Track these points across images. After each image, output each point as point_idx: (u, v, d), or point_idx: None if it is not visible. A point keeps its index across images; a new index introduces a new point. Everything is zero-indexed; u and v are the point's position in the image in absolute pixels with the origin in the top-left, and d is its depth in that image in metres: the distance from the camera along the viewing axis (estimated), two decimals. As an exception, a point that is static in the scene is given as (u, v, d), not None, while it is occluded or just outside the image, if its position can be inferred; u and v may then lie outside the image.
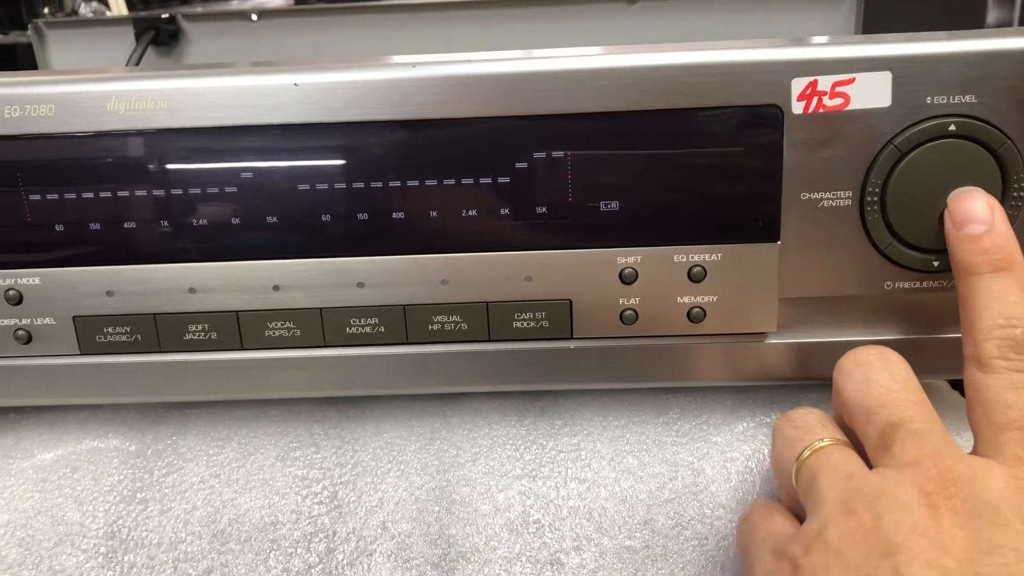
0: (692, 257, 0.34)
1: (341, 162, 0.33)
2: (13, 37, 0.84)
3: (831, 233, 0.34)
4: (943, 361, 0.35)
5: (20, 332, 0.35)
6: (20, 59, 0.80)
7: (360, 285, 0.34)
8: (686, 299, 0.34)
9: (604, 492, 0.34)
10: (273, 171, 0.33)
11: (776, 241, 0.34)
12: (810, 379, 0.36)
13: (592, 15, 0.55)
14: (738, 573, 0.33)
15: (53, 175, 0.33)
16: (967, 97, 0.32)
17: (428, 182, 0.33)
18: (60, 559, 0.33)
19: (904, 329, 0.35)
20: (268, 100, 0.32)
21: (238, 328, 0.34)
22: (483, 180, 0.33)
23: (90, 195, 0.33)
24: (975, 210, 0.31)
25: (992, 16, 1.18)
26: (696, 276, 0.34)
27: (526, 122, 0.33)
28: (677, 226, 0.34)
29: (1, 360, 0.35)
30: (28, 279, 0.34)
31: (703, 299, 0.34)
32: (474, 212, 0.33)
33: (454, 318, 0.34)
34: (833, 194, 0.33)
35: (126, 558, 0.33)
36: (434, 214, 0.34)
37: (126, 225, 0.34)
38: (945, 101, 0.32)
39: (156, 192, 0.33)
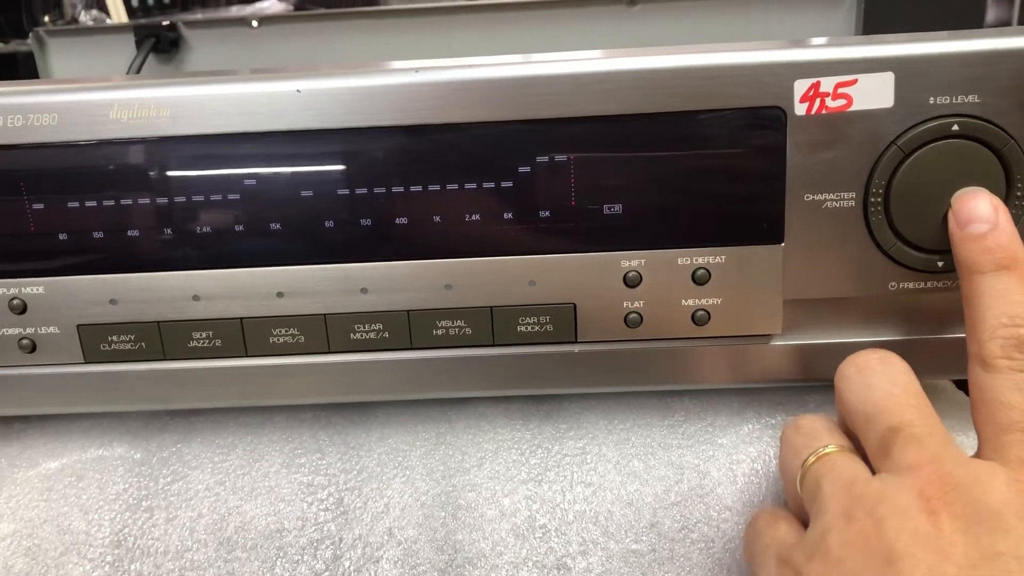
0: (696, 260, 0.34)
1: (343, 168, 0.33)
2: (14, 46, 0.84)
3: (835, 234, 0.34)
4: (948, 361, 0.35)
5: (25, 341, 0.35)
6: (21, 68, 0.80)
7: (364, 291, 0.34)
8: (690, 302, 0.34)
9: (610, 496, 0.34)
10: (276, 178, 0.33)
11: (780, 243, 0.34)
12: (815, 381, 0.36)
13: (592, 17, 0.55)
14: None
15: (56, 184, 0.33)
16: (970, 97, 0.32)
17: (431, 187, 0.33)
18: (66, 568, 0.33)
19: (909, 330, 0.35)
20: (270, 107, 0.32)
21: (242, 335, 0.34)
22: (486, 185, 0.33)
23: (93, 203, 0.33)
24: (979, 209, 0.31)
25: (991, 15, 1.18)
26: (700, 279, 0.34)
27: (528, 126, 0.33)
28: (680, 229, 0.34)
29: (6, 369, 0.35)
30: (32, 288, 0.34)
31: (707, 302, 0.34)
32: (477, 217, 0.33)
33: (458, 323, 0.34)
34: (837, 195, 0.33)
35: (132, 567, 0.33)
36: (437, 219, 0.33)
37: (129, 233, 0.34)
38: (948, 101, 0.32)
39: (159, 200, 0.33)
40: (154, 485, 0.35)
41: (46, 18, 0.77)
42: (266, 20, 0.55)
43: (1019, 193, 0.33)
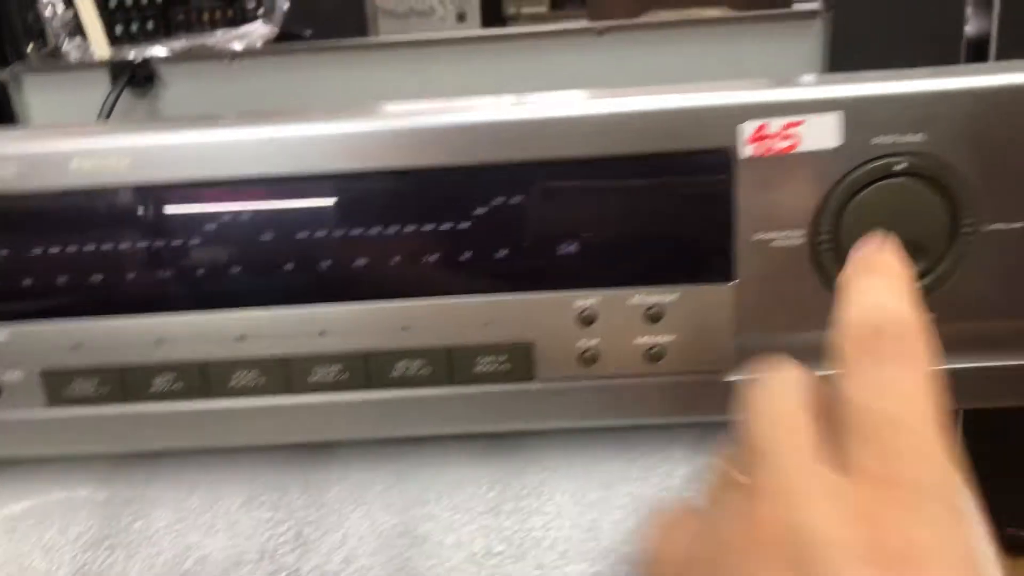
0: (649, 298, 0.34)
1: (301, 212, 0.34)
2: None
3: (785, 272, 0.34)
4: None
5: (-11, 386, 0.35)
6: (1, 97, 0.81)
7: (323, 333, 0.35)
8: (644, 339, 0.35)
9: (568, 523, 0.35)
10: (236, 223, 0.34)
11: (731, 281, 0.34)
12: (771, 415, 0.36)
13: (562, 48, 0.56)
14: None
15: (18, 232, 0.34)
16: (916, 136, 0.33)
17: (388, 230, 0.34)
18: (29, 607, 0.34)
19: (862, 363, 0.36)
20: (224, 155, 0.33)
21: (205, 378, 0.35)
22: (442, 227, 0.34)
23: (56, 250, 0.34)
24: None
25: (972, 27, 1.18)
26: (653, 317, 0.34)
27: (481, 170, 0.33)
28: (633, 269, 0.34)
29: (-29, 414, 0.36)
30: (-4, 335, 0.35)
31: (661, 339, 0.35)
32: (433, 259, 0.34)
33: (416, 363, 0.35)
34: (785, 234, 0.34)
35: (95, 605, 0.34)
36: (394, 261, 0.34)
37: (92, 279, 0.34)
38: (894, 140, 0.33)
39: (121, 247, 0.34)
40: (116, 524, 0.35)
41: (29, 47, 0.78)
42: (242, 55, 0.55)
43: (967, 229, 0.33)
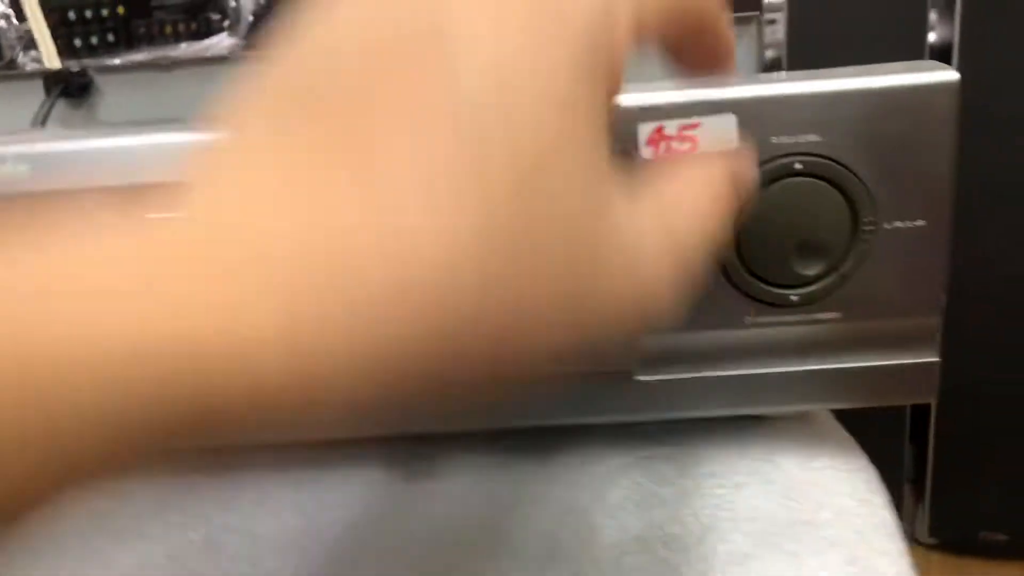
0: (553, 300, 0.34)
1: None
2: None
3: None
4: (813, 392, 0.36)
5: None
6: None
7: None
8: (550, 341, 0.35)
9: (475, 523, 0.35)
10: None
11: (634, 282, 0.34)
12: (681, 414, 0.37)
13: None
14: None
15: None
16: (812, 136, 0.33)
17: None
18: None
19: (770, 362, 0.36)
20: (117, 161, 0.33)
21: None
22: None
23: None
24: None
25: (935, 35, 1.19)
26: (557, 319, 0.34)
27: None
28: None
29: None
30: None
31: (567, 341, 0.35)
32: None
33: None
34: (687, 234, 0.34)
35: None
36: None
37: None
38: (790, 141, 0.33)
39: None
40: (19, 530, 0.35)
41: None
42: (178, 64, 0.56)
43: (866, 228, 0.34)
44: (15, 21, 0.92)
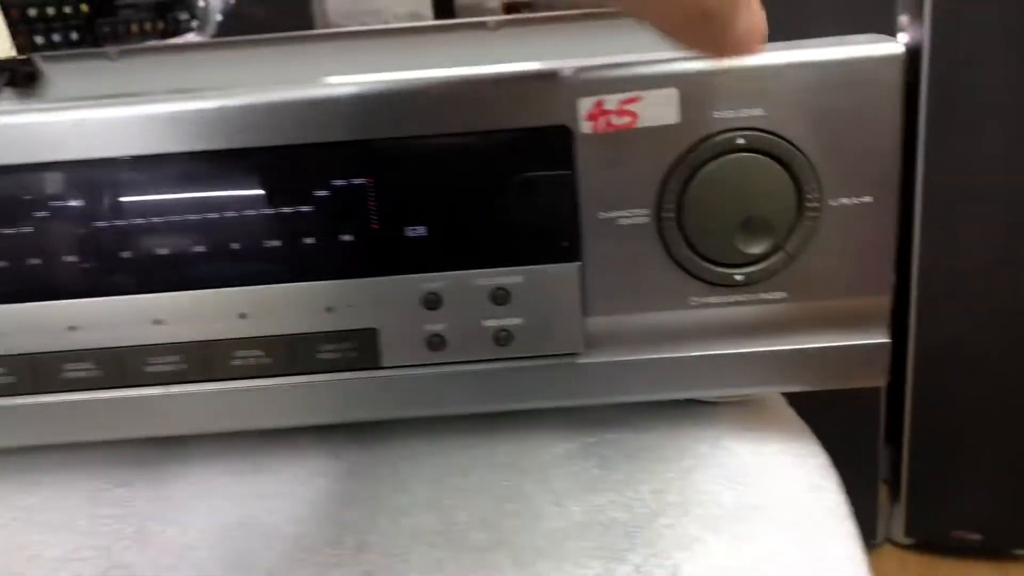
0: (495, 280, 0.34)
1: (135, 198, 0.33)
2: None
3: (632, 251, 0.34)
4: (760, 374, 0.35)
5: None
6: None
7: (157, 322, 0.33)
8: (492, 322, 0.34)
9: (418, 511, 0.34)
10: (69, 210, 0.33)
11: (577, 261, 0.33)
12: (626, 398, 0.36)
13: (457, 41, 0.55)
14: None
15: None
16: (755, 110, 0.32)
17: (227, 214, 0.33)
18: None
19: (717, 344, 0.35)
20: (53, 137, 0.32)
21: (34, 371, 0.34)
22: (283, 210, 0.33)
23: None
24: None
25: (904, 37, 1.20)
26: (499, 299, 0.34)
27: (322, 149, 0.32)
28: (478, 249, 0.33)
29: None
30: None
31: (508, 321, 0.34)
32: (273, 243, 0.33)
33: (255, 352, 0.34)
34: (630, 212, 0.33)
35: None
36: (234, 246, 0.33)
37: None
38: (733, 115, 0.32)
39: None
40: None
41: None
42: (128, 52, 0.54)
43: (811, 204, 0.33)
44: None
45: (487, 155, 0.33)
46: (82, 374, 0.34)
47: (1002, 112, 1.27)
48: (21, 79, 0.53)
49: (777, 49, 0.32)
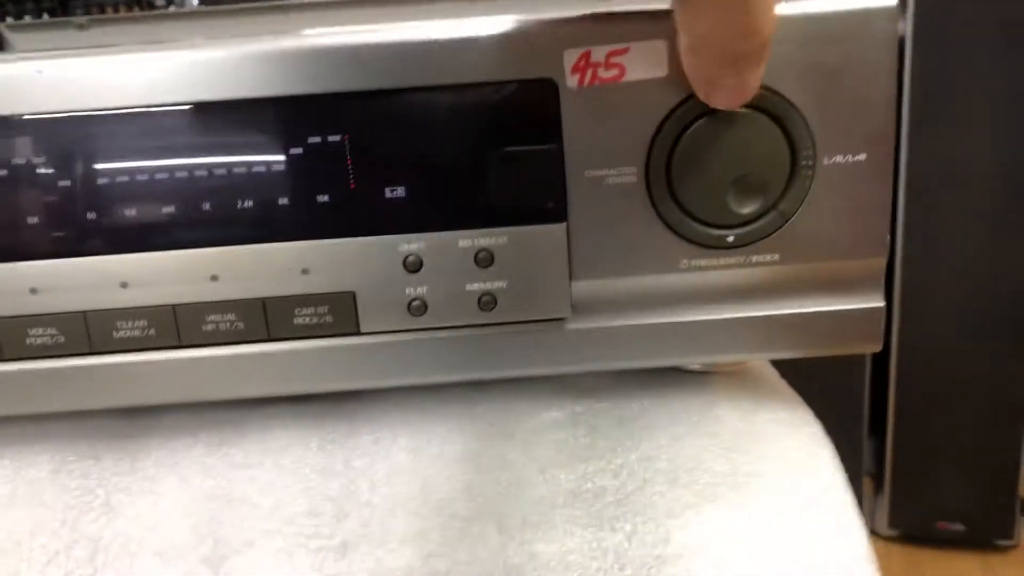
0: (478, 241, 0.32)
1: (100, 155, 0.31)
2: None
3: (620, 212, 0.32)
4: (752, 340, 0.34)
5: None
6: None
7: (124, 285, 0.32)
8: (475, 286, 0.33)
9: (399, 480, 0.33)
10: (27, 167, 0.31)
11: (563, 222, 0.32)
12: (615, 365, 0.34)
13: (444, 9, 0.54)
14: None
15: None
16: (747, 64, 0.31)
17: (196, 172, 0.31)
18: None
19: (709, 309, 0.34)
20: (13, 89, 0.30)
21: (-4, 336, 0.32)
22: (255, 168, 0.31)
23: None
24: None
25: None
26: (483, 261, 0.32)
27: (296, 102, 0.31)
28: (460, 209, 0.32)
29: None
30: None
31: (492, 285, 0.33)
32: (247, 203, 0.32)
33: (228, 316, 0.32)
34: (618, 171, 0.32)
35: None
36: (205, 206, 0.32)
37: None
38: (725, 69, 0.31)
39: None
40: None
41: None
42: (96, 21, 0.53)
43: (804, 163, 0.32)
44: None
45: (469, 110, 0.31)
46: (44, 340, 0.32)
47: (986, 102, 1.27)
48: (-16, 48, 0.51)
49: (770, 1, 0.31)
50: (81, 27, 0.52)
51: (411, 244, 0.32)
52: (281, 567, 0.31)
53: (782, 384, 0.39)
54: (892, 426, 1.47)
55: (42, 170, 0.31)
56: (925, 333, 1.39)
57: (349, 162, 0.32)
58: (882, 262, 0.34)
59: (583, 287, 0.33)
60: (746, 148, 0.32)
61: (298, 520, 0.31)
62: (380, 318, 0.33)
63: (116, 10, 1.07)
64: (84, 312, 0.32)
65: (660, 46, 0.31)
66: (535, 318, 0.33)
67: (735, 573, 0.30)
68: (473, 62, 0.31)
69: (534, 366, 0.34)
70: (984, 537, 1.45)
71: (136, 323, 0.32)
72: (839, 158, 0.32)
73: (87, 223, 0.31)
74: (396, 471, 0.33)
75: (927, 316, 1.38)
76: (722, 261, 0.33)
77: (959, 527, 1.45)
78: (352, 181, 0.32)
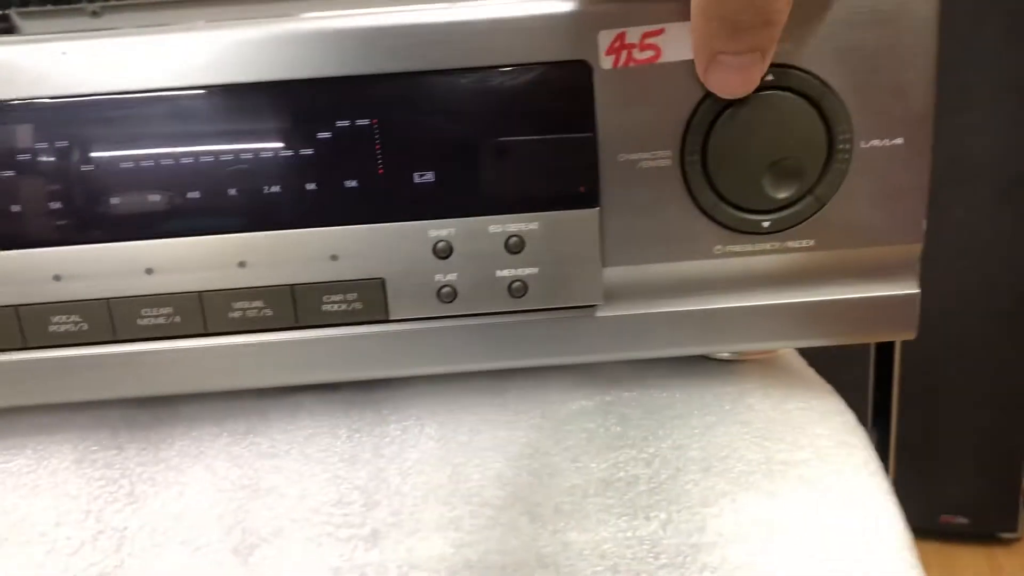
0: (508, 227, 0.32)
1: (125, 138, 0.31)
2: None
3: (654, 196, 0.32)
4: (786, 327, 0.34)
5: None
6: None
7: (149, 272, 0.31)
8: (506, 272, 0.32)
9: (429, 469, 0.32)
10: (53, 151, 0.30)
11: (595, 207, 0.32)
12: (647, 353, 0.34)
13: None
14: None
15: None
16: (785, 44, 0.30)
17: (222, 156, 0.31)
18: None
19: (741, 296, 0.33)
20: (36, 71, 0.29)
21: (19, 324, 0.32)
22: (282, 153, 0.31)
23: None
24: None
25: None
26: (514, 247, 0.32)
27: (326, 85, 0.30)
28: (490, 194, 0.32)
29: None
30: None
31: (523, 271, 0.32)
32: (274, 188, 0.31)
33: (256, 303, 0.32)
34: (652, 154, 0.31)
35: None
36: (232, 191, 0.31)
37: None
38: (762, 50, 0.30)
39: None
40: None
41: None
42: (109, 8, 0.52)
43: (841, 146, 0.31)
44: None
45: (499, 93, 0.31)
46: (68, 327, 0.32)
47: (988, 94, 1.27)
48: (-2, 34, 0.50)
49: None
50: (95, 14, 0.51)
51: (441, 230, 0.32)
52: (310, 556, 0.30)
53: (810, 372, 0.38)
54: (896, 419, 1.46)
55: (66, 154, 0.30)
56: (928, 326, 1.38)
57: (378, 147, 0.31)
58: (918, 248, 0.33)
59: (615, 273, 0.33)
60: (783, 132, 0.31)
61: (326, 509, 0.31)
62: (410, 305, 0.32)
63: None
64: (108, 299, 0.32)
65: (696, 27, 0.30)
66: (566, 305, 0.33)
67: (771, 562, 0.29)
68: (505, 44, 0.30)
69: (565, 354, 0.34)
70: (988, 530, 1.45)
71: (161, 310, 0.32)
72: (876, 142, 0.32)
73: (111, 208, 0.31)
74: (425, 459, 0.33)
75: (930, 309, 1.37)
76: (757, 247, 0.33)
77: (963, 520, 1.45)
78: (381, 166, 0.31)
